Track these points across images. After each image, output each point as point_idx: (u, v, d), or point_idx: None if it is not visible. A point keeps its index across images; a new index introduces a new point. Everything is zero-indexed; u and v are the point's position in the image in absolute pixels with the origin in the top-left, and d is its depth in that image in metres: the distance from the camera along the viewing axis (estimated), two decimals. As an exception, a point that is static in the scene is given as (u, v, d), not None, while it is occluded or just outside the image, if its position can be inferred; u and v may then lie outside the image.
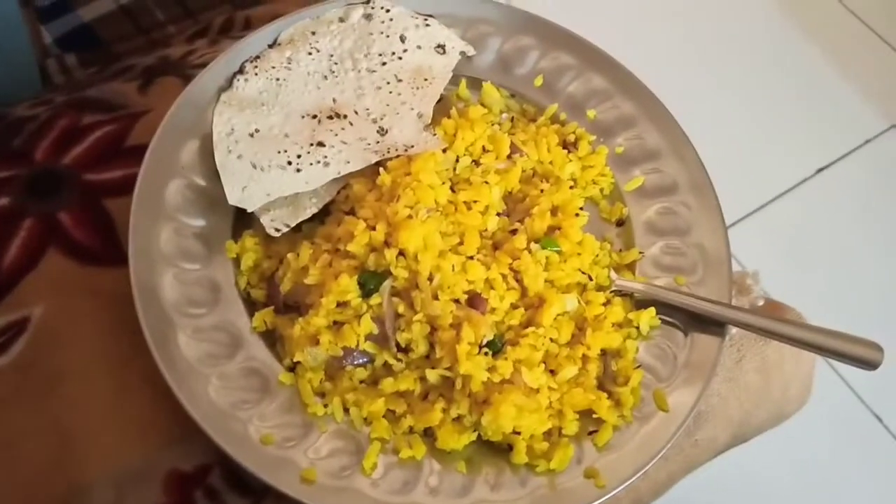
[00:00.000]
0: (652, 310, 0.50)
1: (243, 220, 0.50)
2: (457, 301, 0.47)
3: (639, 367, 0.49)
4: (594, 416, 0.47)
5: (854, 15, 1.48)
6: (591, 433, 0.47)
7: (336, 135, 0.50)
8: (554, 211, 0.52)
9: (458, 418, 0.46)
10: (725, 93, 1.33)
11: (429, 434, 0.46)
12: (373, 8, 0.55)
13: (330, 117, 0.51)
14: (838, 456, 1.07)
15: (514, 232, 0.50)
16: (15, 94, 0.61)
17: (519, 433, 0.45)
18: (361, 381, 0.47)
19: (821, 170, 1.31)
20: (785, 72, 1.40)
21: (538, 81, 0.59)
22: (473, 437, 0.46)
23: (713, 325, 0.50)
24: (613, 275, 0.52)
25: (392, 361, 0.46)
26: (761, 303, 0.58)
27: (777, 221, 1.25)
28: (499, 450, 0.46)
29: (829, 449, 1.06)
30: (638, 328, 0.50)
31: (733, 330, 0.52)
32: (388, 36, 0.54)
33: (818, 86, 1.40)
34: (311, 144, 0.50)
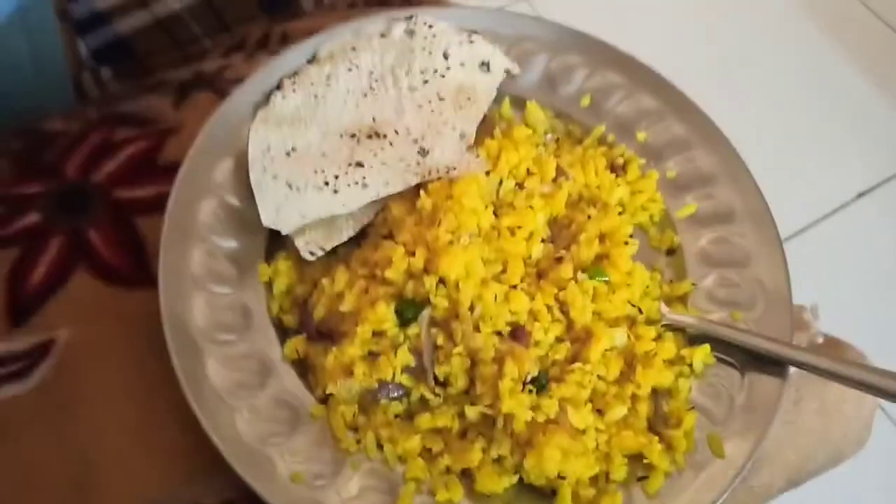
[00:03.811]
0: (707, 346, 0.47)
1: (277, 243, 0.48)
2: (499, 333, 0.44)
3: (692, 408, 0.46)
4: (644, 461, 0.44)
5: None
6: (640, 479, 0.44)
7: (375, 155, 0.48)
8: (601, 238, 0.49)
9: (499, 459, 0.43)
10: (764, 113, 1.30)
11: (467, 475, 0.43)
12: (415, 23, 0.53)
13: (369, 136, 0.49)
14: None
15: (559, 260, 0.48)
16: (49, 107, 0.60)
17: (564, 477, 0.42)
18: (396, 416, 0.44)
19: (862, 194, 1.27)
20: (826, 93, 1.37)
21: (585, 101, 0.56)
22: (514, 479, 0.43)
23: (773, 365, 0.47)
24: (664, 308, 0.49)
25: (429, 396, 0.44)
26: (820, 340, 0.54)
27: (814, 247, 1.20)
28: (541, 494, 0.43)
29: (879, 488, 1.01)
30: (691, 366, 0.47)
31: (792, 369, 0.49)
32: (430, 52, 0.52)
33: (860, 109, 1.37)
34: (349, 164, 0.48)
